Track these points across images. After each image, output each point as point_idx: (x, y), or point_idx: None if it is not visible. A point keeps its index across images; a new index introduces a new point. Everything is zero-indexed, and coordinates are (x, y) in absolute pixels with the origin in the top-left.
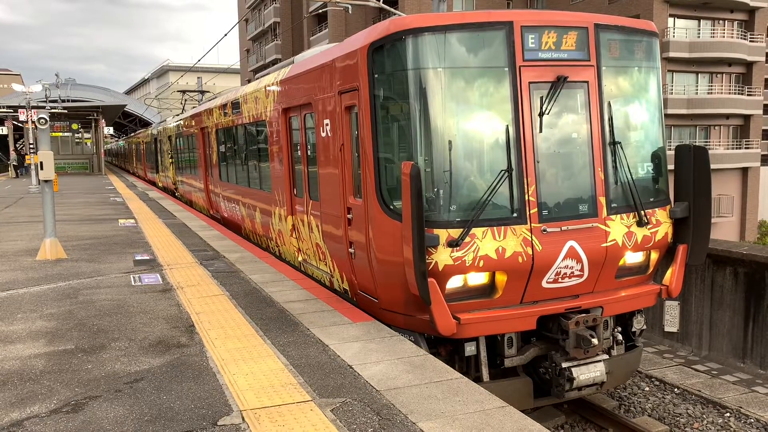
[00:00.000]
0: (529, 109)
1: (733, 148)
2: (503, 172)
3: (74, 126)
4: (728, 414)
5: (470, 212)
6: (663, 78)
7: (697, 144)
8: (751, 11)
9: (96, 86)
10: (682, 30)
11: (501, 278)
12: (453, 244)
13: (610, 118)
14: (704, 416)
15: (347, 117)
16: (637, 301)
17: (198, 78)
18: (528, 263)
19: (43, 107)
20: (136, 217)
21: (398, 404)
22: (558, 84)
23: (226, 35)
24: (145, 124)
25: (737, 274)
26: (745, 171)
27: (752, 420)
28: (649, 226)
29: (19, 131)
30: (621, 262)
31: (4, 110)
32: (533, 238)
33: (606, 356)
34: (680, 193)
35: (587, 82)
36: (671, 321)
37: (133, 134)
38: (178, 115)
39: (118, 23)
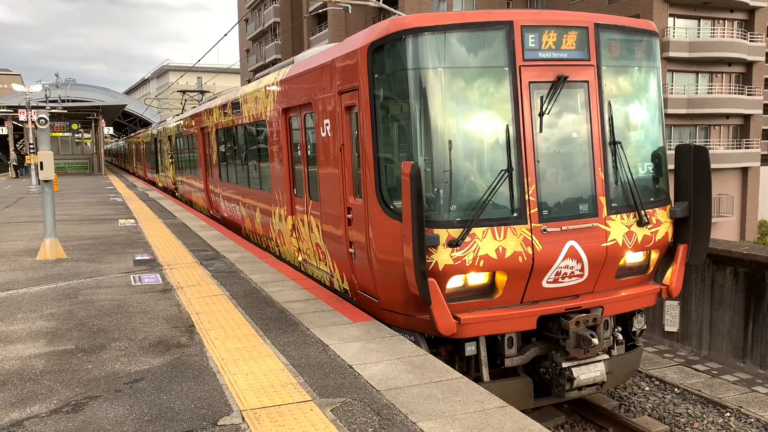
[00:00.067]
0: (529, 108)
1: (733, 148)
2: (503, 171)
3: (74, 126)
4: (728, 414)
5: (470, 212)
6: (663, 78)
7: (697, 144)
8: (751, 11)
9: (96, 86)
10: (682, 30)
11: (501, 278)
12: (453, 243)
13: (611, 118)
14: (704, 416)
15: (347, 117)
16: (638, 300)
17: (198, 78)
18: (528, 263)
19: (43, 107)
20: (136, 217)
21: (398, 404)
22: (558, 84)
23: (226, 35)
24: (145, 124)
25: (737, 274)
26: (745, 171)
27: (752, 420)
28: (649, 226)
29: (19, 131)
30: (621, 262)
31: (4, 110)
32: (533, 237)
33: (606, 356)
34: (680, 193)
35: (587, 81)
36: (671, 321)
37: (133, 134)
38: (178, 115)
39: (118, 23)
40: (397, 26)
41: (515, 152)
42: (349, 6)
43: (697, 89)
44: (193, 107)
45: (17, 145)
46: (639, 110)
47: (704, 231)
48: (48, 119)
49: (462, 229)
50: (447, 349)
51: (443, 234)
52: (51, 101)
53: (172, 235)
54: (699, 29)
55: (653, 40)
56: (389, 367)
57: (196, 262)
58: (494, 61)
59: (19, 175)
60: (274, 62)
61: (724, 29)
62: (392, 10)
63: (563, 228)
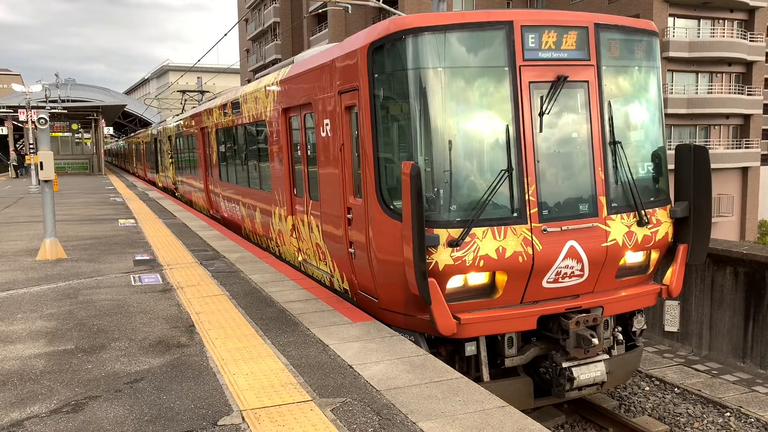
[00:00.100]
0: (530, 108)
1: (733, 148)
2: (503, 171)
3: (74, 126)
4: (728, 413)
5: (470, 212)
6: (663, 78)
7: (697, 144)
8: (751, 11)
9: (96, 86)
10: (681, 30)
11: (501, 278)
12: (453, 243)
13: (611, 118)
14: (704, 416)
15: (347, 117)
16: (638, 300)
17: (198, 78)
18: (528, 263)
19: (43, 107)
20: (136, 217)
21: (398, 404)
22: (558, 84)
23: (226, 35)
24: (145, 124)
25: (737, 274)
26: (745, 170)
27: (752, 420)
28: (649, 226)
29: (19, 131)
30: (621, 262)
31: (4, 110)
32: (533, 237)
33: (606, 356)
34: (680, 193)
35: (587, 81)
36: (671, 321)
37: (133, 134)
38: (178, 115)
39: (117, 23)
40: (397, 26)
41: (515, 152)
42: (349, 6)
43: (697, 89)
44: (193, 107)
45: (17, 145)
46: (639, 110)
47: (704, 231)
48: (48, 119)
49: (462, 229)
50: (447, 349)
51: (443, 234)
52: (51, 101)
53: (172, 235)
54: (699, 29)
55: (653, 40)
56: (389, 367)
57: (196, 262)
58: (494, 61)
59: (19, 175)
60: (274, 62)
61: (724, 29)
62: (392, 10)
63: (563, 228)
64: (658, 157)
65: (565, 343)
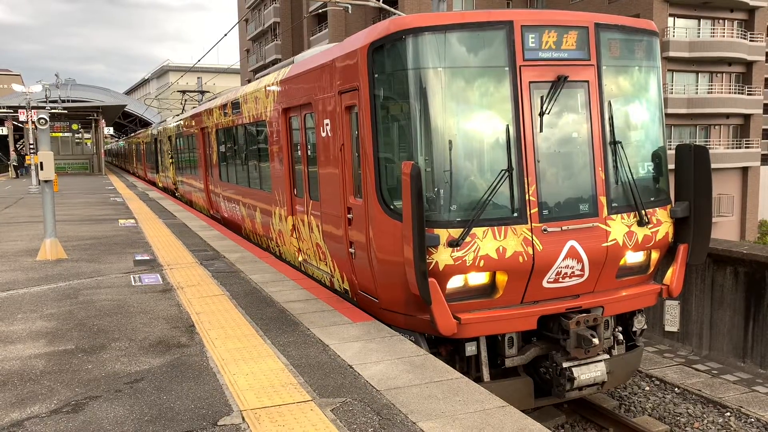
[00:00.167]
0: (530, 108)
1: (733, 148)
2: (503, 171)
3: (74, 126)
4: (728, 413)
5: (471, 212)
6: (663, 77)
7: (697, 143)
8: (751, 11)
9: (96, 86)
10: (682, 29)
11: (501, 278)
12: (453, 243)
13: (611, 118)
14: (704, 416)
15: (347, 117)
16: (638, 300)
17: (198, 78)
18: (528, 263)
19: (43, 107)
20: (136, 217)
21: (398, 404)
22: (558, 83)
23: (226, 35)
24: (145, 124)
25: (737, 274)
26: (745, 170)
27: (752, 419)
28: (649, 226)
29: (19, 131)
30: (621, 262)
31: (4, 110)
32: (534, 237)
33: (607, 356)
34: (681, 193)
35: (587, 81)
36: (671, 320)
37: (133, 134)
38: (178, 115)
39: (117, 23)
40: (397, 26)
41: (515, 152)
42: (349, 6)
43: (697, 89)
44: (193, 107)
45: (17, 146)
46: (639, 110)
47: (704, 231)
48: (48, 119)
49: (462, 229)
50: (447, 349)
51: (443, 234)
52: (51, 101)
53: (173, 235)
54: (699, 29)
55: (653, 40)
56: (389, 367)
57: (197, 262)
58: (494, 60)
59: (20, 175)
60: (274, 62)
61: (724, 29)
62: (392, 10)
63: (564, 228)
64: (658, 157)
65: (566, 343)
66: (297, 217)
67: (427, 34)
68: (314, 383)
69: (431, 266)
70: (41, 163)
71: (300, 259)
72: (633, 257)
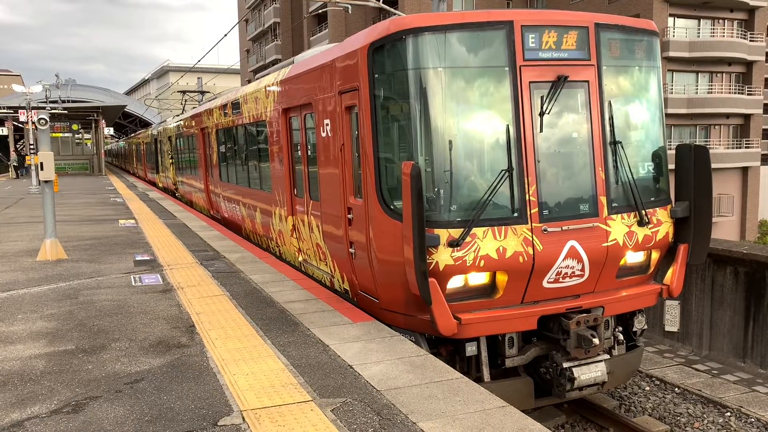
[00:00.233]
0: (530, 108)
1: (733, 148)
2: (504, 171)
3: (74, 126)
4: (729, 413)
5: (471, 212)
6: (663, 77)
7: (697, 143)
8: (751, 10)
9: (96, 87)
10: (682, 29)
11: (502, 278)
12: (453, 244)
13: (611, 118)
14: (705, 416)
15: (347, 117)
16: (638, 300)
17: (198, 78)
18: (529, 263)
19: (44, 108)
20: (136, 218)
21: (399, 404)
22: (558, 83)
23: (226, 35)
24: (146, 124)
25: (738, 274)
26: (745, 170)
27: (753, 419)
28: (649, 226)
29: (19, 132)
30: (622, 262)
31: (5, 111)
32: (534, 237)
33: (607, 356)
34: (681, 193)
35: (588, 81)
36: (672, 320)
37: (133, 135)
38: (178, 115)
39: (117, 23)
40: (397, 26)
41: (515, 152)
42: (349, 6)
43: (697, 89)
44: (194, 107)
45: (17, 146)
46: (639, 110)
47: (705, 231)
48: (48, 120)
49: (462, 229)
50: (447, 349)
51: (444, 234)
52: (51, 102)
53: (173, 235)
54: (699, 29)
55: (653, 40)
56: (390, 367)
57: (197, 263)
58: (494, 60)
59: (20, 175)
60: (274, 62)
61: (724, 29)
62: (392, 10)
63: (564, 228)
64: (658, 157)
65: (566, 343)
66: (297, 217)
67: (427, 34)
68: (314, 383)
69: (431, 266)
70: (41, 163)
71: (300, 259)
72: (633, 257)
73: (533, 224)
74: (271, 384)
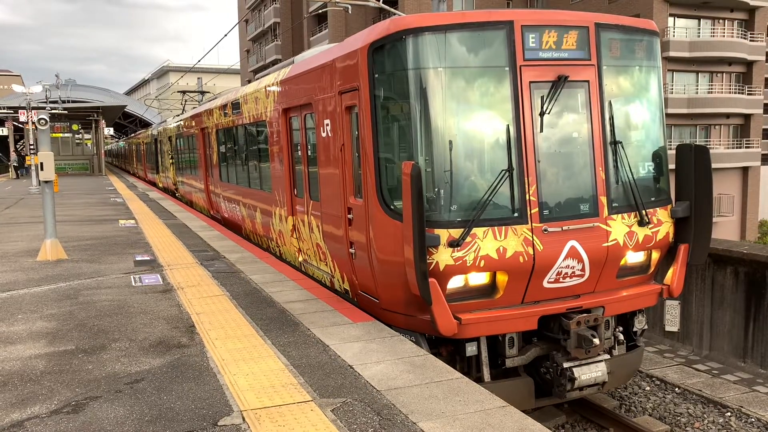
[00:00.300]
0: (530, 108)
1: (733, 148)
2: (504, 171)
3: (74, 127)
4: (729, 413)
5: (471, 212)
6: (663, 77)
7: (697, 143)
8: (751, 10)
9: (96, 87)
10: (682, 29)
11: (502, 278)
12: (454, 244)
13: (611, 118)
14: (705, 416)
15: (347, 117)
16: (639, 300)
17: (198, 78)
18: (529, 263)
19: (44, 108)
20: (136, 218)
21: (399, 404)
22: (559, 83)
23: (226, 36)
24: (146, 124)
25: (738, 274)
26: (745, 170)
27: (753, 419)
28: (650, 226)
29: (19, 132)
30: (622, 262)
31: (5, 111)
32: (534, 237)
33: (607, 356)
34: (681, 193)
35: (588, 81)
36: (672, 320)
37: (133, 135)
38: (178, 115)
39: (117, 24)
40: (397, 26)
41: (516, 152)
42: (349, 6)
43: (697, 89)
44: (194, 108)
45: (18, 146)
46: (640, 110)
47: (705, 231)
48: (48, 120)
49: (463, 229)
50: (448, 350)
51: (444, 234)
52: (51, 102)
53: (173, 235)
54: (699, 29)
55: (654, 40)
56: (390, 368)
57: (197, 263)
58: (495, 60)
59: (20, 175)
60: (274, 63)
61: (724, 29)
62: (392, 10)
63: (564, 228)
64: (658, 157)
65: (566, 343)
66: (297, 217)
67: (427, 34)
68: (314, 383)
69: (431, 266)
70: (41, 163)
71: (300, 259)
72: (633, 257)
73: (533, 224)
74: (271, 384)
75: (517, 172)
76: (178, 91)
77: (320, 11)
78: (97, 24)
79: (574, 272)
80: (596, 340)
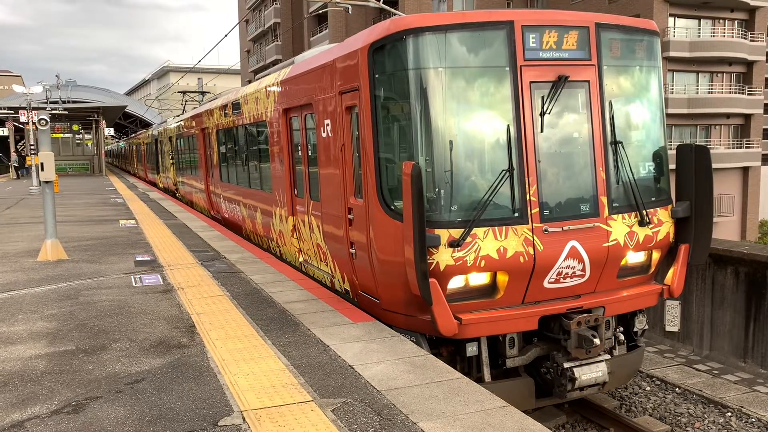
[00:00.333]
0: (530, 108)
1: (733, 148)
2: (504, 172)
3: (75, 127)
4: (729, 413)
5: (471, 212)
6: (663, 77)
7: (698, 143)
8: (752, 10)
9: (96, 87)
10: (682, 29)
11: (502, 278)
12: (454, 244)
13: (612, 118)
14: (705, 416)
15: (348, 117)
16: (639, 300)
17: (198, 79)
18: (529, 263)
19: (44, 108)
20: (136, 218)
21: (399, 404)
22: (559, 83)
23: (226, 36)
24: (146, 125)
25: (738, 274)
26: (745, 170)
27: (753, 419)
28: (650, 226)
29: (19, 132)
30: (623, 262)
31: (5, 111)
32: (535, 238)
33: (608, 356)
34: (682, 193)
35: (588, 81)
36: (672, 320)
37: (133, 135)
38: (178, 116)
39: (117, 24)
40: (397, 26)
41: (516, 152)
42: (349, 6)
43: (697, 89)
44: (194, 108)
45: (18, 147)
46: (640, 110)
47: (706, 231)
48: (48, 120)
49: (463, 230)
50: (448, 350)
51: (444, 234)
52: (52, 102)
53: (173, 235)
54: (699, 29)
55: (654, 40)
56: (390, 368)
57: (197, 263)
58: (495, 61)
59: (20, 176)
60: (274, 63)
61: (724, 29)
62: (392, 10)
63: (565, 228)
64: (659, 157)
65: (567, 343)
66: (297, 217)
67: (427, 34)
68: (315, 384)
69: (432, 266)
70: (42, 163)
71: (301, 259)
72: (634, 257)
73: (534, 224)
74: (272, 384)
75: (518, 172)
76: (179, 92)
77: (320, 11)
78: (97, 24)
79: (574, 272)
80: (597, 341)
